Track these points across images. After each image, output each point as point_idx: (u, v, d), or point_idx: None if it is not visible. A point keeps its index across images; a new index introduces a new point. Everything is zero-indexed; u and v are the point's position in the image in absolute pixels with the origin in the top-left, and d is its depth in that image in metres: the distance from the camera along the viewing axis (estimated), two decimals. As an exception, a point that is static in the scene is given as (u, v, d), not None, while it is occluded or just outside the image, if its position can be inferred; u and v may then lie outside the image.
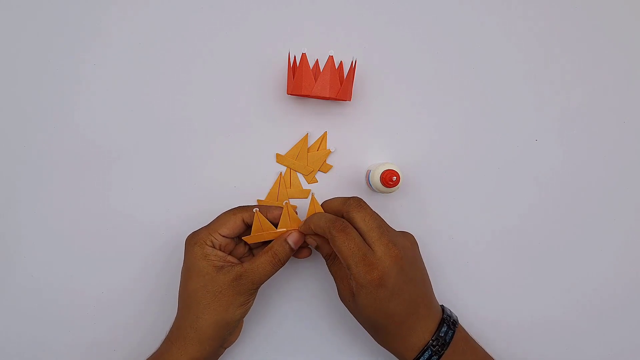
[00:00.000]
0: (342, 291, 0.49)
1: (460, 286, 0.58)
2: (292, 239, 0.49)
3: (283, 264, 0.49)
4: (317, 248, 0.51)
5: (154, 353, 0.49)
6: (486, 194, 0.58)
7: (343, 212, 0.48)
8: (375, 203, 0.55)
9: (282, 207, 0.51)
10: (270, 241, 0.51)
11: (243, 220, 0.50)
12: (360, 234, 0.46)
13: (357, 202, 0.48)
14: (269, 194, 0.57)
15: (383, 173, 0.51)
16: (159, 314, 0.57)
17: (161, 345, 0.49)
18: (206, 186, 0.57)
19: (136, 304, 0.57)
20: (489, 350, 0.52)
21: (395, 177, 0.50)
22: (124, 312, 0.57)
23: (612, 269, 0.58)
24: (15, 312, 0.56)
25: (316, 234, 0.49)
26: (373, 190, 0.55)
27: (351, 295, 0.48)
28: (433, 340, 0.46)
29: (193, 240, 0.49)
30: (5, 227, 0.56)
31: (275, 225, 0.51)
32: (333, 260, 0.51)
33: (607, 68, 0.58)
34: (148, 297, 0.57)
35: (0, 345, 0.56)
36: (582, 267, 0.58)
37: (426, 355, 0.46)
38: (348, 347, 0.58)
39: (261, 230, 0.50)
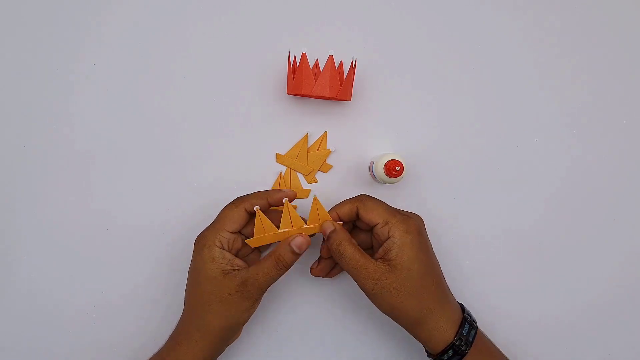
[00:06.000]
0: (369, 271, 0.47)
1: (459, 281, 0.58)
2: (296, 243, 0.48)
3: (288, 269, 0.49)
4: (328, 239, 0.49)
5: (159, 351, 0.50)
6: (486, 194, 0.58)
7: (356, 205, 0.50)
8: (378, 194, 0.55)
9: (282, 190, 0.51)
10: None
11: (245, 211, 0.49)
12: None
13: (366, 195, 0.51)
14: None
15: (387, 163, 0.51)
16: (159, 314, 0.57)
17: (166, 344, 0.50)
18: (206, 186, 0.57)
19: (136, 304, 0.57)
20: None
21: (398, 167, 0.51)
22: (124, 313, 0.57)
23: (612, 268, 0.58)
24: (15, 312, 0.56)
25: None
26: (377, 181, 0.55)
27: (386, 267, 0.47)
28: (456, 340, 0.47)
29: (202, 242, 0.49)
30: (5, 228, 0.56)
31: (278, 224, 0.50)
32: (347, 253, 0.48)
33: (607, 68, 0.58)
34: (148, 297, 0.57)
35: (0, 346, 0.56)
36: (582, 266, 0.58)
37: (450, 353, 0.47)
38: (348, 345, 0.58)
39: (263, 230, 0.49)
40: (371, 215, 0.48)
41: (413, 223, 0.48)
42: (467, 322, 0.48)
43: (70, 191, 0.57)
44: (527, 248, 0.58)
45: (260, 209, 0.49)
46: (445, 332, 0.47)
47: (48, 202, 0.56)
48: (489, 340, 0.51)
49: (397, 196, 0.57)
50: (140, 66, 0.57)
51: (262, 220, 0.49)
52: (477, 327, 0.49)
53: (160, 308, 0.57)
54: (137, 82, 0.57)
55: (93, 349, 0.57)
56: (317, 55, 0.55)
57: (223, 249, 0.48)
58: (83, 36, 0.56)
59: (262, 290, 0.48)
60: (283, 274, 0.49)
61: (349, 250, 0.48)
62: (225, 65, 0.57)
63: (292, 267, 0.49)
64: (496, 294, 0.58)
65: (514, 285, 0.58)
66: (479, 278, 0.58)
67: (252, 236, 0.50)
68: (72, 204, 0.57)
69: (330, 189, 0.58)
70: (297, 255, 0.48)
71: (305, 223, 0.50)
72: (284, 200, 0.49)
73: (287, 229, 0.50)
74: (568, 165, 0.58)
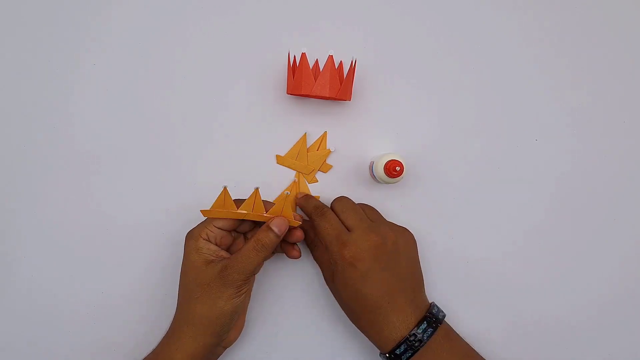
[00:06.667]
0: (325, 275, 0.54)
1: (458, 281, 0.58)
2: (275, 224, 0.49)
3: (269, 252, 0.48)
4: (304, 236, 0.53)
5: (154, 349, 0.50)
6: (486, 194, 0.58)
7: (312, 215, 0.53)
8: (378, 194, 0.56)
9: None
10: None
11: None
12: (341, 220, 0.52)
13: (322, 211, 0.53)
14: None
15: (387, 163, 0.51)
16: (158, 314, 0.57)
17: (160, 342, 0.50)
18: (206, 186, 0.57)
19: (136, 304, 0.57)
20: (485, 351, 0.52)
21: (398, 167, 0.51)
22: (124, 313, 0.57)
23: (612, 269, 0.58)
24: (14, 313, 0.56)
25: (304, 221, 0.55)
26: (377, 181, 0.55)
27: (331, 277, 0.51)
28: (410, 336, 0.47)
29: (189, 235, 0.50)
30: (5, 228, 0.56)
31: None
32: (316, 247, 0.54)
33: (607, 68, 0.58)
34: (148, 297, 0.57)
35: (0, 346, 0.56)
36: (582, 266, 0.58)
37: (402, 348, 0.47)
38: (347, 346, 0.58)
39: (222, 206, 0.48)
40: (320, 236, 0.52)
41: (348, 252, 0.49)
42: (425, 320, 0.48)
43: (70, 191, 0.57)
44: (527, 248, 0.58)
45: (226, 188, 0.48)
46: (395, 333, 0.48)
47: (48, 202, 0.56)
48: (457, 336, 0.51)
49: (397, 196, 0.57)
50: (140, 66, 0.57)
51: (225, 198, 0.48)
52: (437, 327, 0.48)
53: (161, 308, 0.57)
54: (137, 82, 0.57)
55: (93, 349, 0.57)
56: (317, 55, 0.55)
57: (209, 241, 0.49)
58: (83, 36, 0.56)
59: (244, 275, 0.47)
60: (264, 257, 0.48)
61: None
62: (225, 65, 0.57)
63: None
64: (496, 294, 0.58)
65: (514, 285, 0.58)
66: (479, 278, 0.58)
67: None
68: (72, 204, 0.57)
69: (330, 189, 0.58)
70: (276, 236, 0.49)
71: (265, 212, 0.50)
72: (254, 188, 0.48)
73: (245, 212, 0.49)
74: (568, 165, 0.58)
